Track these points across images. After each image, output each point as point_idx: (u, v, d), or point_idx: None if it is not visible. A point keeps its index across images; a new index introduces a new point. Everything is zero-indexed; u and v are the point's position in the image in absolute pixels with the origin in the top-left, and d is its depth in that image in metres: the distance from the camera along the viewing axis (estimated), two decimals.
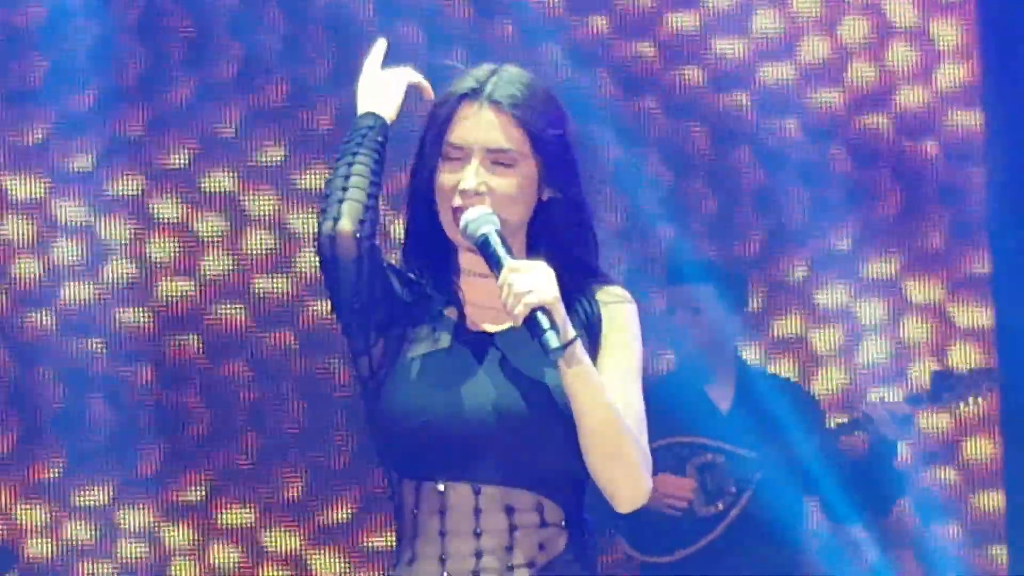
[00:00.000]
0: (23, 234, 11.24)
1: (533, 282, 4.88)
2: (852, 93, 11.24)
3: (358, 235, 5.09)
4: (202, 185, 10.56)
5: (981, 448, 11.03)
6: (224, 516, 10.54)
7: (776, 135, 11.16)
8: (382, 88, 5.30)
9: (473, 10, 11.19)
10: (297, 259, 10.86)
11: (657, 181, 10.96)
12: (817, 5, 11.24)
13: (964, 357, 11.14)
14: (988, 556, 11.05)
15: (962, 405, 10.34)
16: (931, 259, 11.31)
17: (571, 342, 4.87)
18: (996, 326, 11.22)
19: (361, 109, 5.17)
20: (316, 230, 5.16)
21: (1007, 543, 11.03)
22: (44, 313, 11.22)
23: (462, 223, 4.96)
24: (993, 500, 10.98)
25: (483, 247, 4.91)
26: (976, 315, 11.29)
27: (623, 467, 5.06)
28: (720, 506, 9.16)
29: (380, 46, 5.22)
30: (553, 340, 4.80)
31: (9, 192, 11.41)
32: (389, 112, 5.15)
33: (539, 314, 4.82)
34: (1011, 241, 11.21)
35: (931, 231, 11.33)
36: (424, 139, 5.03)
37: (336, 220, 5.06)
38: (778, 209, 10.93)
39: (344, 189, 5.15)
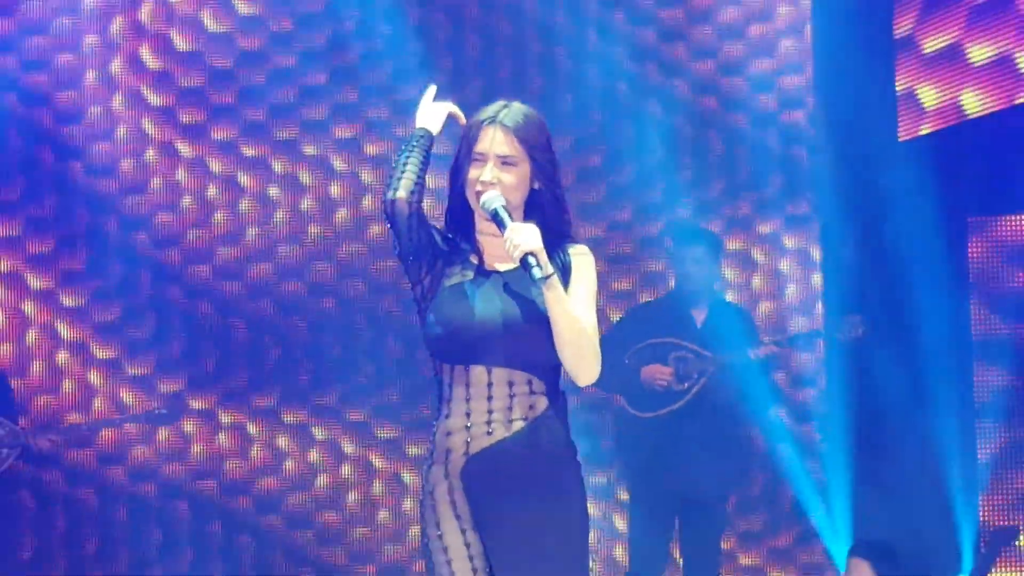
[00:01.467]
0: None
1: (526, 236, 4.86)
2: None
3: (409, 201, 4.95)
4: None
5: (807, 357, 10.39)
6: (316, 399, 10.16)
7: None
8: (431, 114, 5.15)
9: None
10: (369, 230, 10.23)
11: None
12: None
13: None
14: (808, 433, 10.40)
15: (848, 337, 9.77)
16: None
17: (550, 275, 4.87)
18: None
19: (417, 125, 5.09)
20: (382, 198, 5.02)
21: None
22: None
23: (481, 201, 4.96)
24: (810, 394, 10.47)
25: (494, 215, 4.92)
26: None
27: (581, 357, 4.94)
28: (686, 385, 9.02)
29: (432, 89, 5.20)
30: (538, 272, 4.83)
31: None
32: (435, 129, 5.09)
33: (529, 256, 4.83)
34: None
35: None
36: (459, 150, 4.99)
37: (396, 190, 4.95)
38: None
39: (402, 172, 5.00)
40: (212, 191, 9.70)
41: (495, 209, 4.89)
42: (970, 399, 9.53)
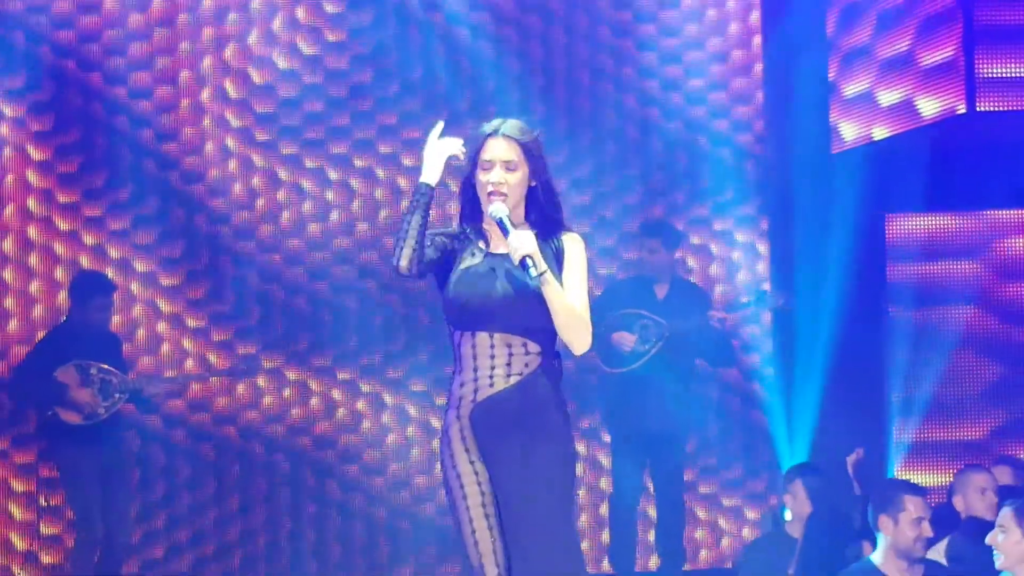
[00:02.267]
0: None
1: (523, 241, 4.90)
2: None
3: (409, 267, 4.93)
4: None
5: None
6: (363, 360, 10.17)
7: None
8: (434, 162, 5.06)
9: None
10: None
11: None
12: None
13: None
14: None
15: (774, 306, 9.80)
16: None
17: (543, 272, 4.90)
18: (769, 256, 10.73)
19: (422, 177, 5.02)
20: (391, 262, 4.99)
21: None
22: None
23: (489, 211, 5.00)
24: (756, 358, 10.57)
25: (500, 223, 4.96)
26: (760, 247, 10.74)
27: (575, 333, 4.99)
28: (647, 347, 8.96)
29: (439, 126, 5.15)
30: (534, 272, 4.86)
31: None
32: (435, 180, 5.01)
33: (527, 259, 4.87)
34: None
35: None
36: (469, 164, 5.09)
37: (398, 260, 4.92)
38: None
39: (404, 242, 4.94)
40: (281, 195, 9.89)
41: (500, 218, 4.94)
42: (884, 363, 9.64)
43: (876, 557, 6.78)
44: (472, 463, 4.90)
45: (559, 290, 4.91)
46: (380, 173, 9.97)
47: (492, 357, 4.90)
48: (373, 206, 9.99)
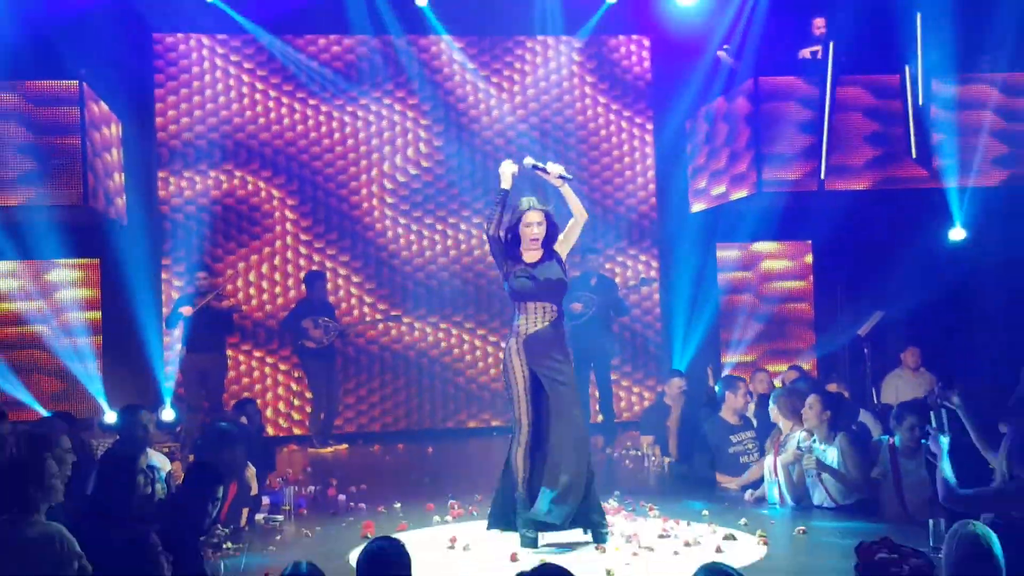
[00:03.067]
0: None
1: (558, 165, 5.96)
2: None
3: (497, 233, 5.96)
4: None
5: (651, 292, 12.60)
6: (454, 317, 12.17)
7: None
8: (507, 177, 6.05)
9: None
10: (484, 247, 12.21)
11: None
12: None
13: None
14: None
15: (651, 285, 11.85)
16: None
17: (570, 178, 6.06)
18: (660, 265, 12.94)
19: (501, 186, 6.05)
20: (484, 230, 6.21)
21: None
22: None
23: (524, 163, 5.96)
24: (650, 319, 12.47)
25: (534, 167, 5.90)
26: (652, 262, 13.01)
27: (582, 213, 6.17)
28: (587, 311, 10.17)
29: (510, 164, 6.05)
30: (570, 175, 5.90)
31: None
32: (508, 187, 6.07)
33: (566, 171, 5.95)
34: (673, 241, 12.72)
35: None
36: (512, 220, 6.19)
37: (489, 228, 5.94)
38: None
39: (491, 218, 5.98)
40: (411, 237, 12.05)
41: (533, 164, 5.60)
42: (716, 322, 11.48)
43: (723, 414, 8.40)
44: (523, 367, 5.73)
45: (574, 194, 6.02)
46: (463, 226, 12.36)
47: (536, 313, 5.79)
48: (458, 243, 12.19)
